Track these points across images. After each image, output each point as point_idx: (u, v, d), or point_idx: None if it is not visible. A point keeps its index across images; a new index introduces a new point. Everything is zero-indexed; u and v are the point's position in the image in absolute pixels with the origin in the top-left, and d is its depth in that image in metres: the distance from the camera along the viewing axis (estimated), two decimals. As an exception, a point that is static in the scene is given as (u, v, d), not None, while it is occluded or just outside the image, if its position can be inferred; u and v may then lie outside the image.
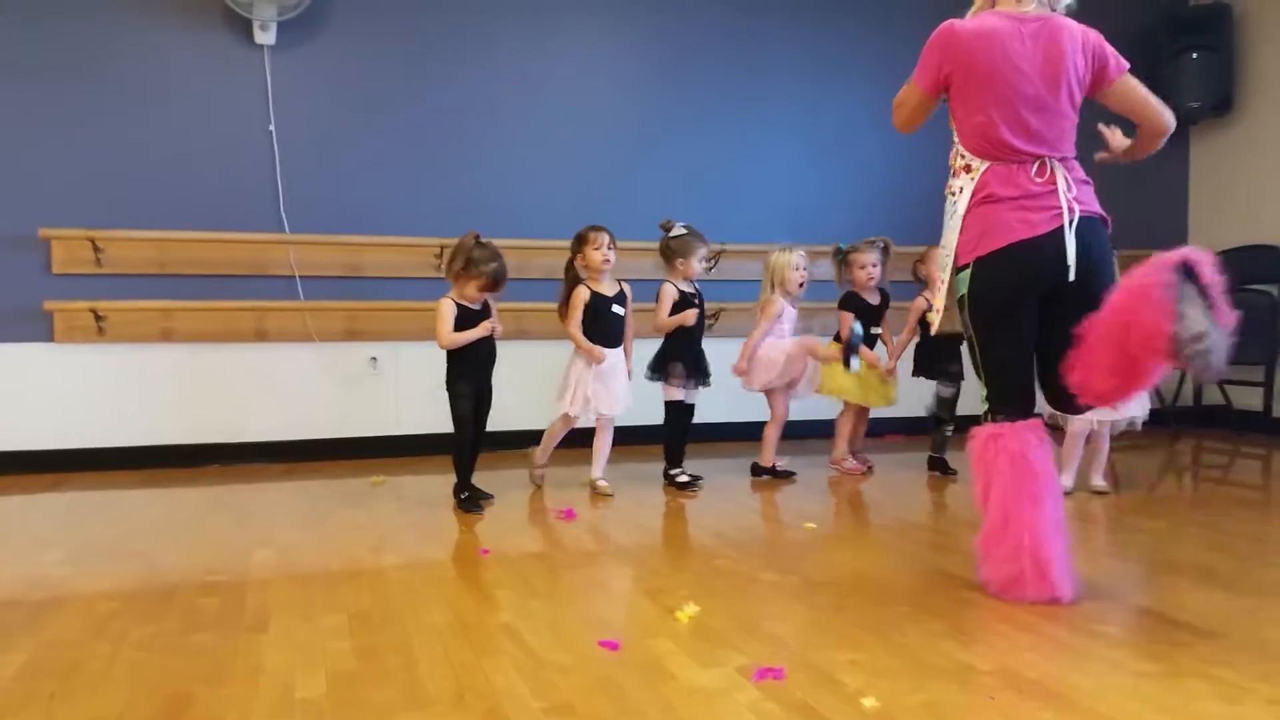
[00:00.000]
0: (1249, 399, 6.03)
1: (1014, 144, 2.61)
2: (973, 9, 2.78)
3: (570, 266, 4.12)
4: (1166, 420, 5.96)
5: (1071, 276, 2.57)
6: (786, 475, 4.46)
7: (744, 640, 2.32)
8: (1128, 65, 2.69)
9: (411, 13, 5.12)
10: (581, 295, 4.04)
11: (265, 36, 4.83)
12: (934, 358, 4.50)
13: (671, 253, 4.24)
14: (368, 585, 2.80)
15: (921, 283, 4.57)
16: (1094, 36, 2.67)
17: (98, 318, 4.65)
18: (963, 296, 2.72)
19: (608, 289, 4.09)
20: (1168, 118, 2.73)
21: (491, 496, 3.96)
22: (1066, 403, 2.70)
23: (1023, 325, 2.67)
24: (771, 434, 4.45)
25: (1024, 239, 2.57)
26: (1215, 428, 6.10)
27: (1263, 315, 6.01)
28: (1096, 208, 2.65)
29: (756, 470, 4.49)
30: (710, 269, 5.35)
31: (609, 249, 4.04)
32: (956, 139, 2.78)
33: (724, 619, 2.47)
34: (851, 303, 4.56)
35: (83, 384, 4.68)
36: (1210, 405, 6.22)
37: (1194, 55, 6.01)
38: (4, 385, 4.59)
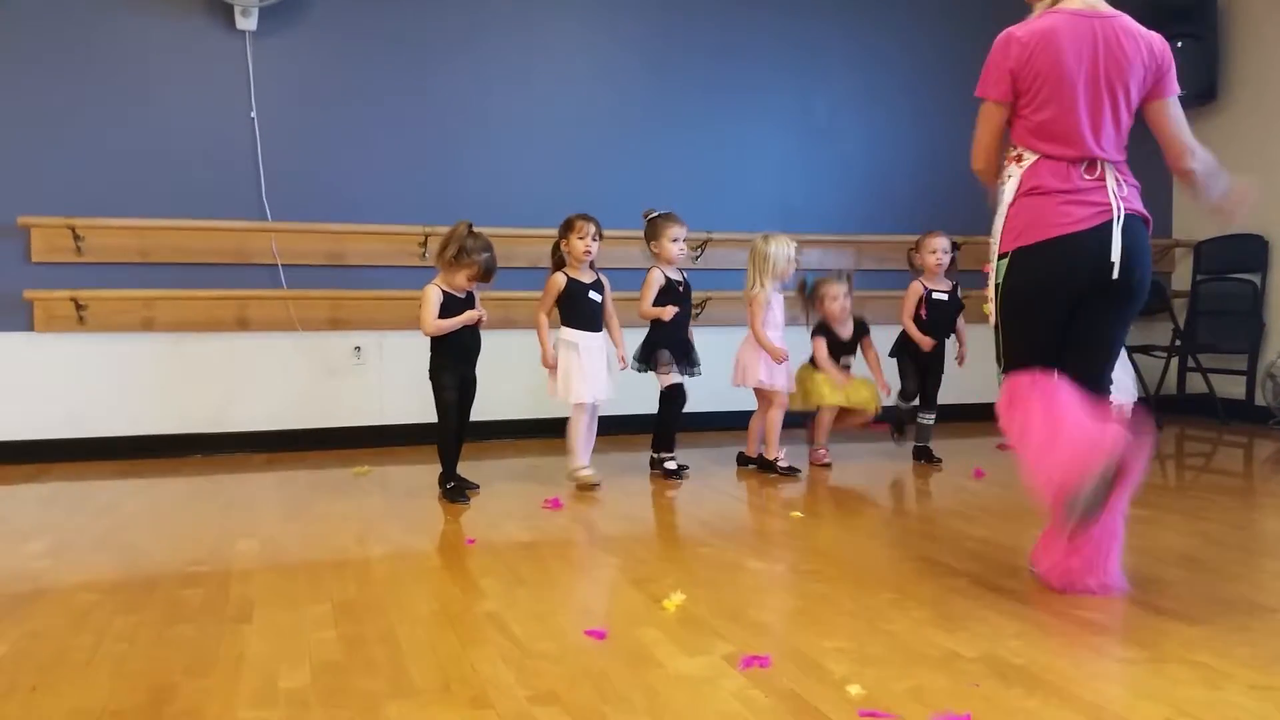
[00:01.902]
0: (1232, 387, 6.07)
1: (1069, 142, 2.57)
2: (1037, 10, 2.70)
3: (556, 250, 4.11)
4: (1150, 408, 5.98)
5: (1115, 274, 2.54)
6: (790, 471, 4.31)
7: (730, 628, 2.32)
8: (1180, 91, 2.65)
9: (396, 0, 5.09)
10: (557, 282, 4.03)
11: (247, 23, 4.78)
12: (908, 378, 4.55)
13: (647, 237, 4.25)
14: (352, 575, 2.79)
15: (917, 271, 4.57)
16: (1160, 44, 2.62)
17: (78, 307, 4.60)
18: (997, 285, 2.70)
19: (585, 276, 4.07)
20: (1187, 160, 2.66)
21: (477, 486, 3.94)
22: None
23: (1052, 321, 2.65)
24: (764, 426, 4.39)
25: (1066, 234, 2.55)
26: (1199, 415, 6.14)
27: (1245, 304, 6.05)
28: (1140, 207, 2.62)
29: (742, 460, 4.48)
30: (696, 257, 5.35)
31: (593, 239, 4.02)
32: (1010, 132, 2.72)
33: (710, 607, 2.47)
34: (823, 331, 4.51)
35: (63, 374, 4.63)
36: (1194, 394, 6.26)
37: (1179, 44, 6.01)
38: (-17, 375, 4.55)
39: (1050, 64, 2.56)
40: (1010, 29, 2.65)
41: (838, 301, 4.45)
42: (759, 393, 4.39)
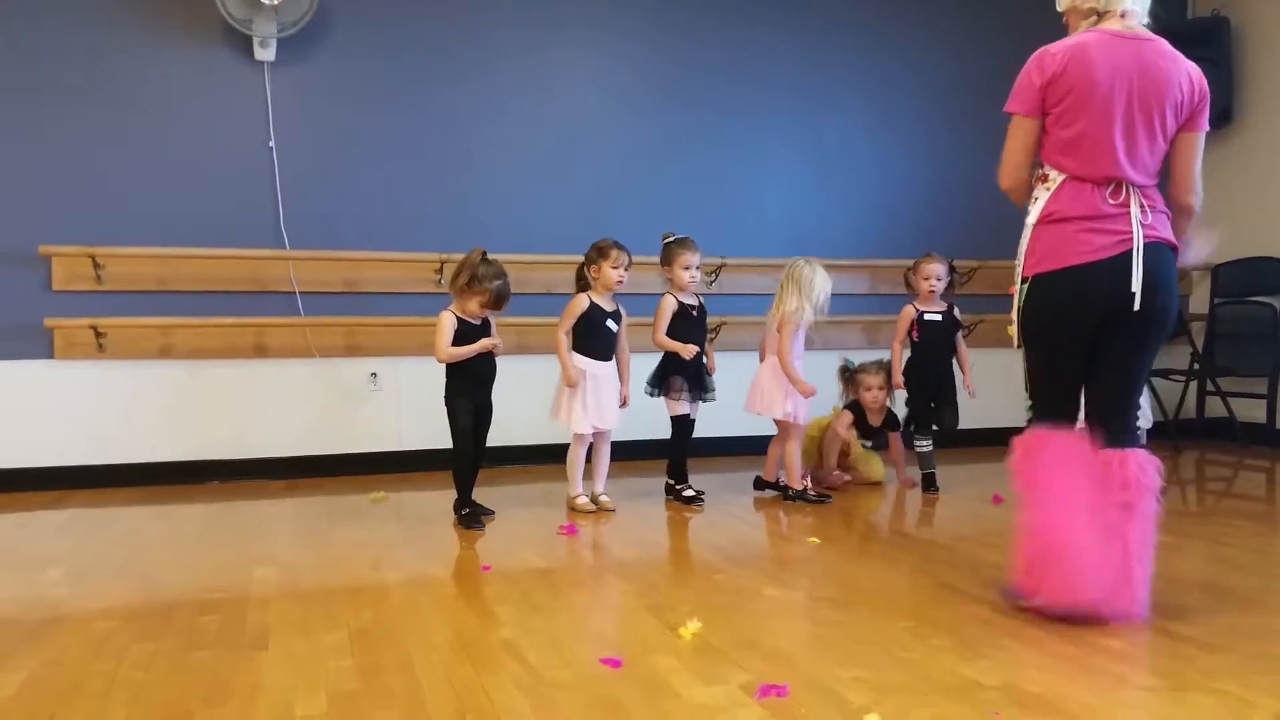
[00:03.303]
0: (1252, 411, 6.02)
1: (1097, 161, 2.56)
2: (1079, 29, 2.68)
3: (581, 274, 4.10)
4: (1170, 433, 5.94)
5: (1137, 306, 2.53)
6: (820, 499, 4.26)
7: (747, 657, 2.30)
8: (1208, 127, 2.68)
9: (411, 29, 5.13)
10: (579, 303, 4.03)
11: (265, 53, 4.83)
12: (916, 406, 4.53)
13: (662, 261, 4.25)
14: (369, 602, 2.79)
15: (912, 292, 4.57)
16: (1198, 74, 2.62)
17: (98, 334, 4.64)
18: (1019, 309, 2.70)
19: (607, 304, 4.08)
20: (1197, 199, 2.70)
21: (492, 512, 3.94)
22: (1099, 425, 2.66)
23: (1075, 345, 2.64)
24: (783, 456, 4.36)
25: (1086, 262, 2.54)
26: (1219, 440, 6.09)
27: (1264, 327, 6.00)
28: (1168, 235, 2.61)
29: (759, 484, 4.46)
30: (711, 282, 5.35)
31: (625, 269, 4.03)
32: (1039, 151, 2.71)
33: (727, 635, 2.46)
34: (855, 410, 4.59)
35: (83, 401, 4.67)
36: (1213, 418, 6.21)
37: (1193, 67, 6.03)
38: (4, 402, 4.58)
39: (1083, 79, 2.55)
40: (1044, 48, 2.64)
41: (871, 392, 4.54)
42: (779, 421, 4.37)
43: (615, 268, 4.00)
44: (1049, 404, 2.70)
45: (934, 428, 4.51)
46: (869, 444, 4.74)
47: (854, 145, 5.90)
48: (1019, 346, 2.76)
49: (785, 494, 4.31)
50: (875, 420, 4.63)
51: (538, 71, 5.34)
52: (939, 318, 4.50)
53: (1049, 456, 2.58)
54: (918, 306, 4.51)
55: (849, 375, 4.64)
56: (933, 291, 4.47)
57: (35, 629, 2.57)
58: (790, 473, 4.30)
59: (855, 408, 4.61)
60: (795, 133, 5.81)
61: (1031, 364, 2.73)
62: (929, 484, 4.51)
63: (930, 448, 4.52)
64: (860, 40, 5.89)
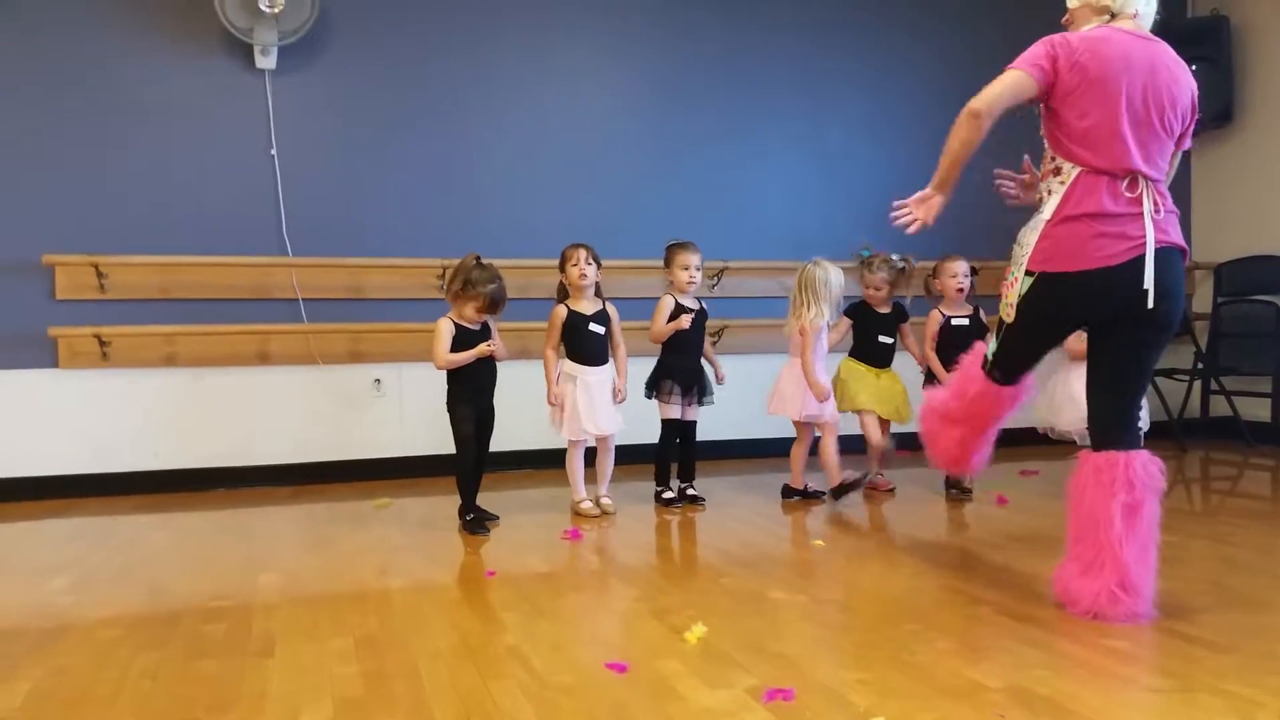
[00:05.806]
0: (1256, 409, 6.01)
1: (1112, 152, 2.55)
2: (1081, 27, 2.69)
3: (561, 285, 4.13)
4: (1174, 432, 5.93)
5: (1150, 303, 2.53)
6: (817, 495, 4.34)
7: (752, 660, 2.30)
8: (1188, 146, 2.75)
9: (411, 35, 5.15)
10: (559, 315, 4.05)
11: (266, 61, 4.85)
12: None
13: (664, 266, 4.25)
14: (374, 608, 2.79)
15: (936, 297, 4.54)
16: (1196, 90, 2.65)
17: (101, 343, 4.65)
18: (1020, 297, 2.69)
19: (587, 308, 4.08)
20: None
21: (497, 518, 3.94)
22: (1101, 426, 2.68)
23: (1063, 337, 2.81)
24: (821, 458, 4.33)
25: (1097, 268, 2.54)
26: (1223, 439, 6.08)
27: (1268, 326, 6.00)
28: (1178, 238, 2.62)
29: (787, 492, 4.42)
30: (713, 285, 5.35)
31: (586, 264, 4.02)
32: (1048, 143, 2.70)
33: (732, 639, 2.46)
34: (858, 311, 4.49)
35: (87, 409, 4.68)
36: (1218, 417, 6.20)
37: (1193, 66, 5.97)
38: (8, 411, 4.59)
39: (1098, 68, 2.54)
40: (1063, 33, 2.65)
41: (879, 289, 4.43)
42: (799, 424, 4.33)
43: (574, 265, 4.02)
44: (1014, 371, 2.86)
45: None
46: (887, 339, 4.49)
47: (856, 146, 5.90)
48: (997, 331, 2.82)
49: (834, 494, 4.27)
50: (885, 307, 4.47)
51: (540, 76, 5.35)
52: (966, 322, 4.42)
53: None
54: (944, 311, 4.43)
55: (862, 264, 4.47)
56: (961, 290, 4.41)
57: (41, 638, 2.57)
58: (831, 470, 4.27)
59: (859, 309, 4.47)
60: (797, 134, 5.81)
61: (1010, 339, 2.79)
62: (959, 487, 4.40)
63: None
64: (862, 41, 5.89)
